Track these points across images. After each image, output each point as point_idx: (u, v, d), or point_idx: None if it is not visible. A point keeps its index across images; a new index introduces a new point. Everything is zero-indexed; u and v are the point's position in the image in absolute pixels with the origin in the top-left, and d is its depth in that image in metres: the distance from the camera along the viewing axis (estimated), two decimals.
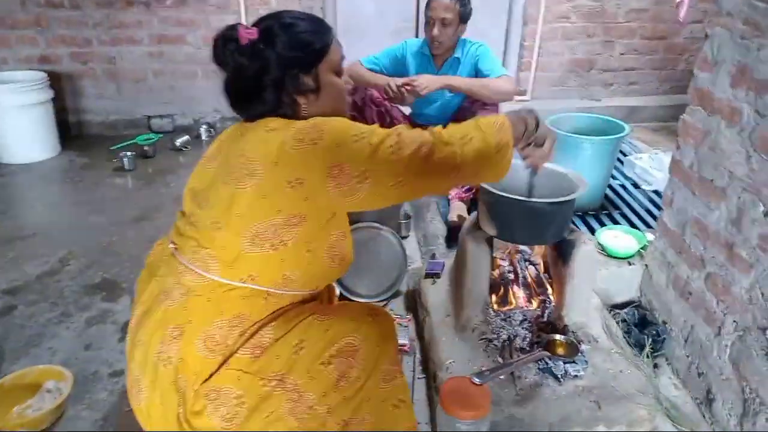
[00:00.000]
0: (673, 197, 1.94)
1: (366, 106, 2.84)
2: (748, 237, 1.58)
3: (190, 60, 4.14)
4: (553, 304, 1.97)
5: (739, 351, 1.61)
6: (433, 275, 2.20)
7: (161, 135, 4.16)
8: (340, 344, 1.13)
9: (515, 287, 2.01)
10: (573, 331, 1.89)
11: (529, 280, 2.02)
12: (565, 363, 1.73)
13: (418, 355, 2.02)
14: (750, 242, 1.57)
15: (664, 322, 2.02)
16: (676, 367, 1.94)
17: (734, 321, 1.63)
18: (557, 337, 1.78)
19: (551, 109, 4.23)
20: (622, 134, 2.68)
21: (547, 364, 1.75)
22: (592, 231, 2.65)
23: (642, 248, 2.18)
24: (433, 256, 2.43)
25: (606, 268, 2.16)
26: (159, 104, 4.24)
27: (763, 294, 1.52)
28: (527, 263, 2.03)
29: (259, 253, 1.05)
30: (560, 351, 1.73)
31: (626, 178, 3.29)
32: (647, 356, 1.96)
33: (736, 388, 1.61)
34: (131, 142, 3.91)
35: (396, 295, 2.34)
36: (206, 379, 1.03)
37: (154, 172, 3.70)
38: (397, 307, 2.29)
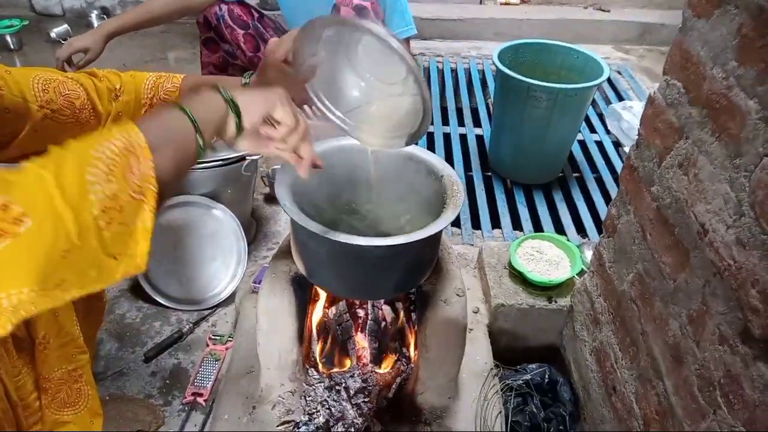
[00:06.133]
0: (619, 219, 1.20)
1: (224, 26, 1.99)
2: (706, 359, 0.86)
3: None
4: (412, 365, 1.31)
5: None
6: None
7: (27, 21, 3.29)
8: None
9: (358, 336, 1.33)
10: (425, 419, 1.24)
11: (383, 325, 1.34)
12: None
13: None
14: (709, 369, 0.85)
15: (580, 402, 1.35)
16: None
17: None
18: None
19: (544, 19, 3.32)
20: (594, 82, 1.86)
21: None
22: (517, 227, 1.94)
23: (578, 274, 1.47)
24: None
25: (515, 299, 1.46)
26: None
27: None
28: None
29: None
30: None
31: (607, 132, 2.47)
32: None
33: None
34: None
35: (228, 302, 1.70)
36: None
37: None
38: (221, 324, 1.64)
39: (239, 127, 0.77)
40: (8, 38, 3.07)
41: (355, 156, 1.14)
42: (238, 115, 0.76)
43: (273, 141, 0.82)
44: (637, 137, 1.12)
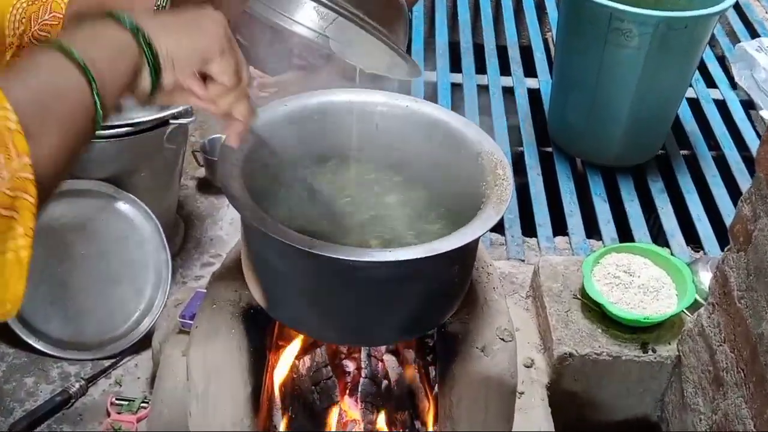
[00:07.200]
0: (756, 223, 1.23)
1: None
2: None
3: None
4: None
5: None
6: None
7: None
8: None
9: (345, 401, 1.38)
10: None
11: (385, 386, 1.38)
12: None
13: None
14: None
15: None
16: None
17: None
18: None
19: None
20: (713, 8, 1.90)
21: None
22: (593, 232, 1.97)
23: (689, 307, 1.50)
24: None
25: (590, 345, 1.49)
26: None
27: None
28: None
29: None
30: None
31: (733, 86, 2.52)
32: None
33: None
34: None
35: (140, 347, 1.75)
36: None
37: None
38: (130, 381, 1.68)
39: (155, 85, 0.77)
40: None
41: (344, 120, 1.16)
42: (156, 70, 0.76)
43: (197, 97, 0.83)
44: None
